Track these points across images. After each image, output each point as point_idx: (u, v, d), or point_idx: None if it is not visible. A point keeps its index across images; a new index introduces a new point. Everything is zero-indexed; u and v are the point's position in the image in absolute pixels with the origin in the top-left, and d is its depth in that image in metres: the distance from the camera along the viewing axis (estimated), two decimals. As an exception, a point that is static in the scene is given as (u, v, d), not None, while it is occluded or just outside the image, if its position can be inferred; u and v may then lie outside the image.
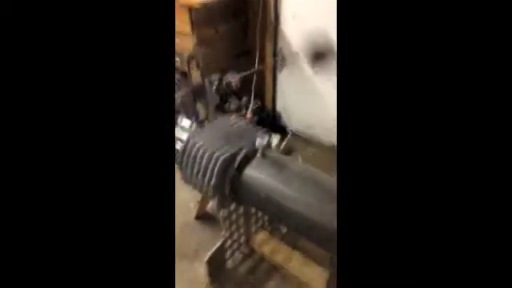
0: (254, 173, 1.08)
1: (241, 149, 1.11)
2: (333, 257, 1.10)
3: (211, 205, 1.60)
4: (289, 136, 1.90)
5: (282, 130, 2.17)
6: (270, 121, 2.21)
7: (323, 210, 0.93)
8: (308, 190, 0.98)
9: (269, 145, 1.20)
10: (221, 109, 1.87)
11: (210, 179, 1.11)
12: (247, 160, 1.10)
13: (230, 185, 1.10)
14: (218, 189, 1.11)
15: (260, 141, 1.08)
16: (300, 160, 1.22)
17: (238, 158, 1.10)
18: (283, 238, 1.45)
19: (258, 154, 1.10)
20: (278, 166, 1.07)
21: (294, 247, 1.39)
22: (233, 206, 1.25)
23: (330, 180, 1.01)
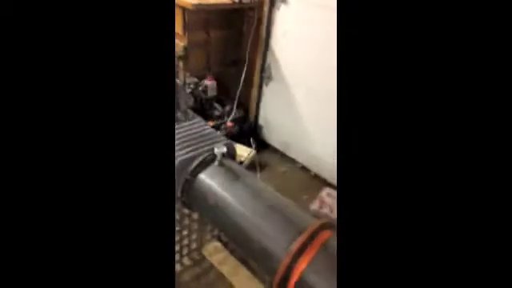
0: (207, 179, 1.08)
1: (200, 154, 1.12)
2: (269, 278, 1.09)
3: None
4: (252, 150, 1.92)
5: (261, 143, 2.18)
6: (251, 133, 2.23)
7: (257, 226, 0.94)
8: (251, 203, 0.99)
9: (231, 154, 1.21)
10: (202, 114, 1.88)
11: (164, 179, 1.11)
12: (204, 165, 1.10)
13: (182, 187, 1.10)
14: (170, 190, 1.11)
15: (218, 149, 1.08)
16: (258, 176, 1.23)
17: (195, 162, 1.10)
18: (235, 251, 1.44)
19: (216, 162, 1.10)
20: (232, 177, 1.07)
21: (244, 263, 1.38)
22: (187, 211, 1.24)
23: (278, 199, 1.02)
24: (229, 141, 1.21)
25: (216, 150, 1.07)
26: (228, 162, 1.14)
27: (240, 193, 1.02)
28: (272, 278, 0.89)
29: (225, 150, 1.08)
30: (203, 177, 1.09)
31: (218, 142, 1.19)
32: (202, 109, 1.97)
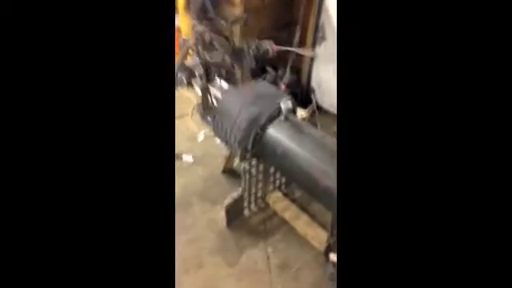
0: (275, 132, 1.21)
1: (266, 110, 1.24)
2: (332, 220, 1.22)
3: (237, 162, 1.77)
4: (310, 109, 1.98)
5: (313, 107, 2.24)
6: (304, 95, 2.29)
7: (322, 169, 1.06)
8: (317, 152, 1.10)
9: (294, 110, 1.32)
10: (257, 78, 1.98)
11: (236, 133, 1.27)
12: (271, 120, 1.23)
13: (252, 140, 1.25)
14: (242, 143, 1.27)
15: (284, 105, 1.19)
16: (319, 128, 1.32)
17: (263, 118, 1.23)
18: (295, 201, 1.60)
19: (281, 117, 1.22)
20: (297, 129, 1.19)
21: (303, 210, 1.53)
22: (254, 162, 1.40)
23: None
24: (290, 96, 1.32)
25: (282, 106, 1.19)
26: (292, 116, 1.26)
27: (306, 142, 1.14)
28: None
29: (290, 105, 1.20)
30: (271, 130, 1.22)
31: (281, 99, 1.30)
32: (257, 73, 2.06)
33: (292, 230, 1.49)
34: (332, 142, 1.17)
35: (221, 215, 1.49)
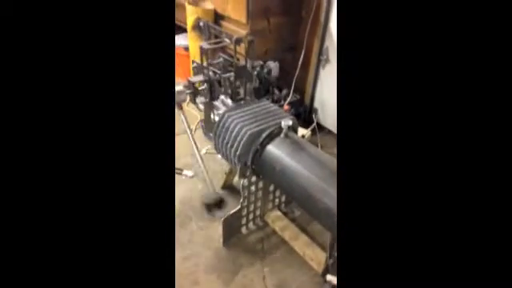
0: (274, 149, 1.22)
1: (267, 127, 1.26)
2: (331, 239, 1.20)
3: (237, 179, 1.77)
4: (311, 127, 1.99)
5: (316, 126, 2.26)
6: (307, 115, 2.32)
7: (322, 188, 1.05)
8: (316, 170, 1.10)
9: (294, 129, 1.33)
10: (260, 98, 2.02)
11: (236, 149, 1.28)
12: (271, 137, 1.25)
13: (252, 156, 1.26)
14: (242, 158, 1.27)
15: (285, 122, 1.21)
16: (319, 147, 1.33)
17: (264, 135, 1.24)
18: (294, 221, 1.58)
19: (282, 134, 1.24)
20: (297, 147, 1.20)
21: (303, 230, 1.51)
22: (253, 179, 1.40)
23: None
24: (292, 116, 1.34)
25: (283, 123, 1.21)
26: (292, 134, 1.27)
27: (305, 160, 1.15)
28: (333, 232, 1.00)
29: (291, 122, 1.21)
30: (271, 147, 1.23)
31: (283, 117, 1.32)
32: (260, 93, 2.11)
33: (290, 250, 1.46)
34: (331, 160, 1.17)
35: (218, 232, 1.47)
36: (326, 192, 1.05)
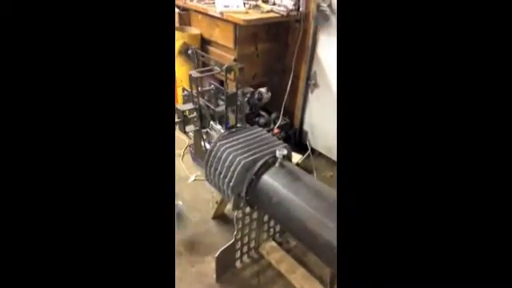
0: (270, 179, 1.17)
1: (261, 156, 1.21)
2: (331, 274, 1.14)
3: (229, 208, 1.70)
4: (306, 154, 1.97)
5: (306, 149, 2.24)
6: (297, 139, 2.30)
7: (321, 222, 1.00)
8: (314, 202, 1.06)
9: (288, 157, 1.29)
10: (250, 122, 1.99)
11: (229, 180, 1.22)
12: (266, 167, 1.20)
13: (247, 187, 1.20)
14: (236, 189, 1.21)
15: (280, 152, 1.17)
16: (315, 176, 1.29)
17: (258, 164, 1.20)
18: (290, 251, 1.51)
19: (277, 164, 1.19)
20: (293, 177, 1.15)
21: (300, 262, 1.44)
22: (247, 210, 1.34)
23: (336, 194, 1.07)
24: (286, 144, 1.30)
25: (278, 153, 1.16)
26: (287, 163, 1.23)
27: (302, 191, 1.10)
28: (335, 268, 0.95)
29: (285, 152, 1.17)
30: (266, 177, 1.18)
31: (276, 145, 1.28)
32: (250, 117, 2.08)
33: (287, 284, 1.38)
34: (329, 190, 1.13)
35: (211, 267, 1.38)
36: (326, 226, 1.00)
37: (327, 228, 0.99)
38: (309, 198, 1.08)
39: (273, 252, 1.49)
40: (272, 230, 1.53)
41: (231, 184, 1.21)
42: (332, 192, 1.12)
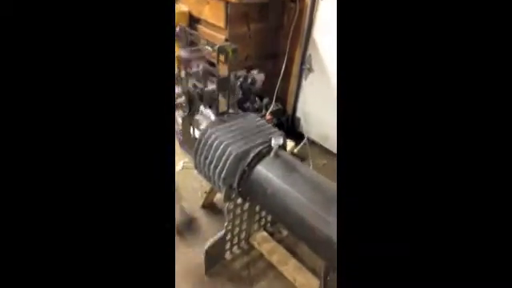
0: (264, 170, 1.10)
1: (255, 146, 1.14)
2: (325, 266, 1.10)
3: (219, 197, 1.63)
4: (302, 143, 1.92)
5: (299, 136, 2.18)
6: (289, 125, 2.23)
7: (319, 216, 0.95)
8: (311, 194, 1.00)
9: (283, 146, 1.22)
10: (241, 106, 1.90)
11: (221, 170, 1.15)
12: (260, 157, 1.13)
13: (239, 178, 1.13)
14: (227, 180, 1.14)
15: (275, 141, 1.10)
16: (311, 166, 1.24)
17: (251, 155, 1.12)
18: (282, 242, 1.47)
19: (271, 154, 1.12)
20: (288, 168, 1.09)
21: (291, 252, 1.40)
22: (239, 201, 1.28)
23: (334, 187, 1.02)
24: (281, 132, 1.23)
25: (273, 142, 1.09)
26: (283, 152, 1.16)
27: (298, 183, 1.04)
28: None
29: (281, 141, 1.10)
30: (260, 168, 1.11)
31: (271, 133, 1.21)
32: (242, 101, 1.99)
33: (279, 276, 1.34)
34: (326, 182, 1.08)
35: (200, 258, 1.33)
36: (324, 220, 0.95)
37: (325, 222, 0.94)
38: (305, 189, 1.02)
39: (264, 242, 1.45)
40: (264, 219, 1.49)
41: (222, 175, 1.14)
42: (329, 184, 1.06)
